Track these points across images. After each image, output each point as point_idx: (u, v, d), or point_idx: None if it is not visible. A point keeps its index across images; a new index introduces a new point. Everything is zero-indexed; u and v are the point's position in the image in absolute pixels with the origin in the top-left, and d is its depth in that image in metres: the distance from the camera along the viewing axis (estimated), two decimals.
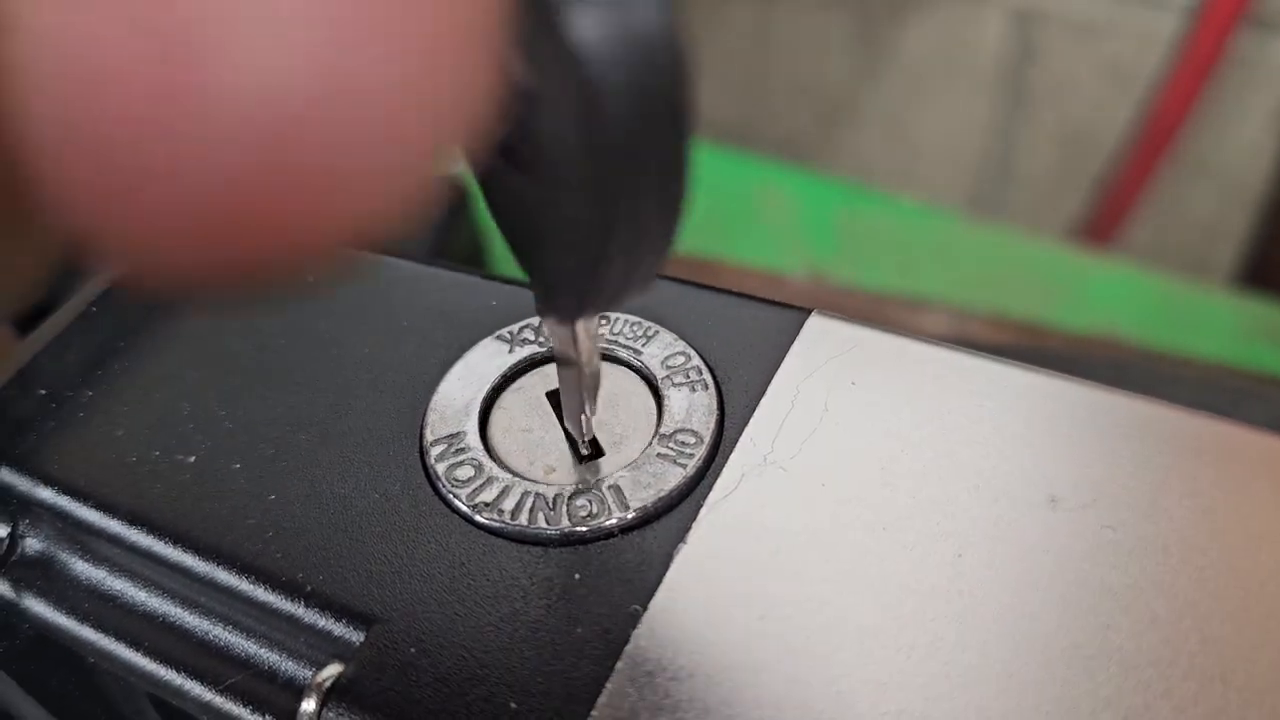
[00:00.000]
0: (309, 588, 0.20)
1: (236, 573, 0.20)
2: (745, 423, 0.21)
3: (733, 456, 0.20)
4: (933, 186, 1.02)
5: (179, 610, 0.22)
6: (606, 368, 0.22)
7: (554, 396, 0.22)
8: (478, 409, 0.22)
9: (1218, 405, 0.21)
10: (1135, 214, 0.93)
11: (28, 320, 0.29)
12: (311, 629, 0.19)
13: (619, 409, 0.22)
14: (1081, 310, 0.67)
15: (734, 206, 0.73)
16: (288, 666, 0.20)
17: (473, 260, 0.56)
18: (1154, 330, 0.66)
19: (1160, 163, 0.91)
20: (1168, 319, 0.67)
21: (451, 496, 0.20)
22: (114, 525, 0.22)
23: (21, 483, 0.23)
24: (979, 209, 1.01)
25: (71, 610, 0.22)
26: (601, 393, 0.22)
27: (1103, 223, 0.95)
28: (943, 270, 0.68)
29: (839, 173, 1.00)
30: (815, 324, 0.22)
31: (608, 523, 0.20)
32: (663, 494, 0.20)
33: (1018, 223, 0.98)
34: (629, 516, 0.20)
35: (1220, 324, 0.67)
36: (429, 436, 0.21)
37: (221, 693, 0.20)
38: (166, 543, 0.21)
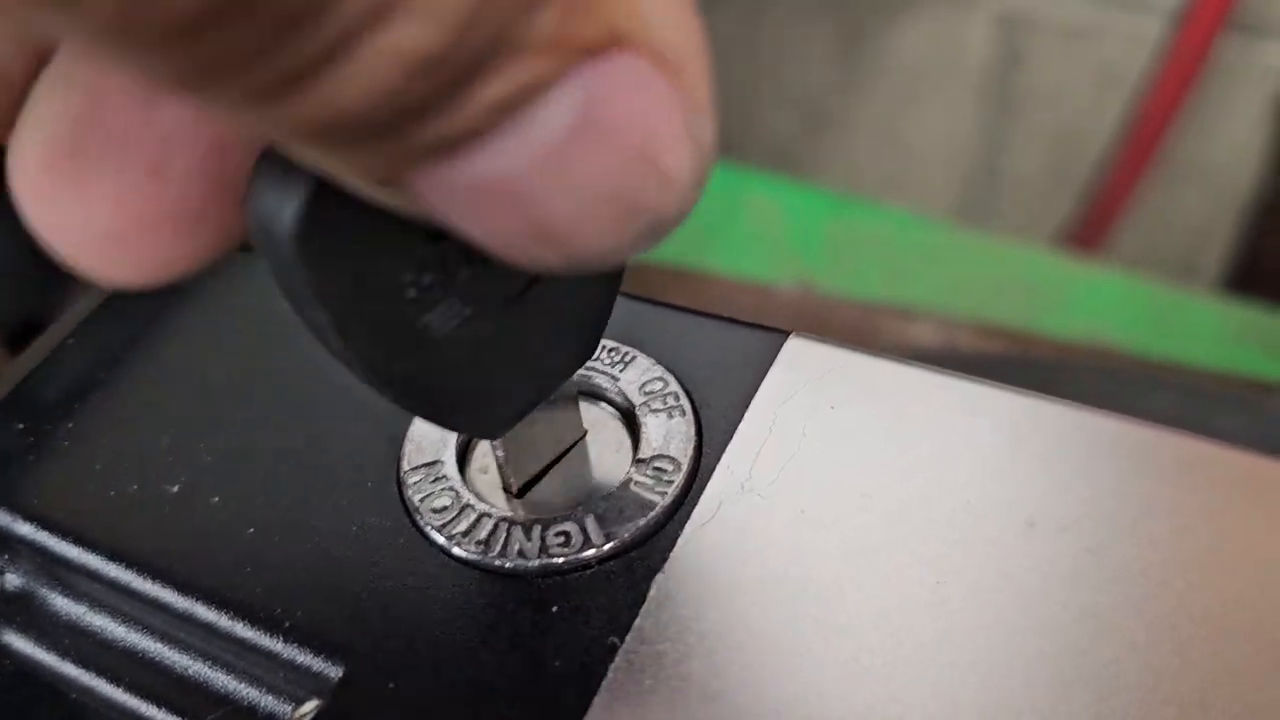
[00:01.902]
0: (287, 623, 0.19)
1: (215, 607, 0.20)
2: (723, 449, 0.21)
3: (710, 484, 0.20)
4: (922, 192, 1.02)
5: (159, 646, 0.22)
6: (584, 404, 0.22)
7: None
8: (455, 438, 0.22)
9: (1203, 413, 0.21)
10: (1124, 218, 0.94)
11: (17, 341, 0.28)
12: (290, 664, 0.19)
13: (595, 437, 0.22)
14: (1070, 317, 0.67)
15: (722, 217, 0.73)
16: (267, 702, 0.20)
17: None
18: (1142, 336, 0.66)
19: (1148, 166, 0.91)
20: (1156, 325, 0.67)
21: (428, 528, 0.20)
22: (93, 560, 0.21)
23: (0, 518, 0.22)
24: (968, 214, 1.01)
25: (51, 646, 0.22)
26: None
27: (1092, 227, 0.95)
28: (931, 279, 0.69)
29: (828, 180, 1.00)
30: (794, 346, 0.22)
31: (585, 553, 0.19)
32: (640, 523, 0.20)
33: (1007, 227, 0.98)
34: (606, 546, 0.20)
35: (1208, 329, 0.67)
36: (405, 466, 0.21)
37: None
38: (145, 578, 0.21)
